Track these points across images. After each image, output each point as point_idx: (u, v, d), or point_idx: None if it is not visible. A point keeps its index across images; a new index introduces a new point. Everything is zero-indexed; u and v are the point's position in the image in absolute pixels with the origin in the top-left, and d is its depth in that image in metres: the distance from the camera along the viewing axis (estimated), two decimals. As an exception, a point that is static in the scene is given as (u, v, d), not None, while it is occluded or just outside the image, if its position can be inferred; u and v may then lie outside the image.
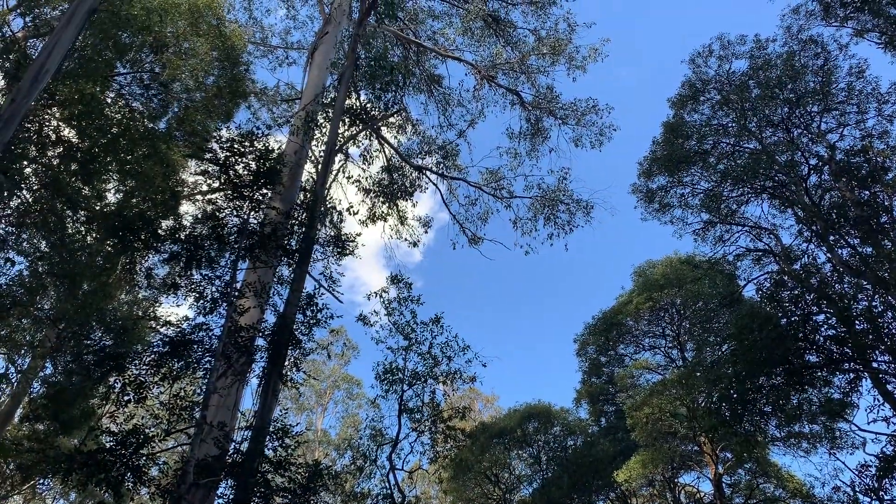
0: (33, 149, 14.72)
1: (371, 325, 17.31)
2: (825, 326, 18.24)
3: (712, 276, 26.87)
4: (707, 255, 26.49)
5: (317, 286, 12.35)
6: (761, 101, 23.69)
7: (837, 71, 22.79)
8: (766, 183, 23.33)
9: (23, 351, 18.94)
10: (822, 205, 21.19)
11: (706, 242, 25.93)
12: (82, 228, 16.17)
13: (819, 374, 18.67)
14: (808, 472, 28.77)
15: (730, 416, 19.66)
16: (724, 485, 28.06)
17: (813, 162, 22.42)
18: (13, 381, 19.01)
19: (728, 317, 27.97)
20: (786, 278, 19.64)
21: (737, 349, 19.54)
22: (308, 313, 11.53)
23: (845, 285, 18.41)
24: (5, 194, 14.07)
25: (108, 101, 16.67)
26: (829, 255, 20.02)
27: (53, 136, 14.89)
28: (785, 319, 18.48)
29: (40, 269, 15.58)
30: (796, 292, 18.63)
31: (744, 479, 29.23)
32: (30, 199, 14.94)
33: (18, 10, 17.00)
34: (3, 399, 19.14)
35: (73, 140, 15.28)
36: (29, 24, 16.92)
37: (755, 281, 23.27)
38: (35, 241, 16.24)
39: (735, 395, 19.43)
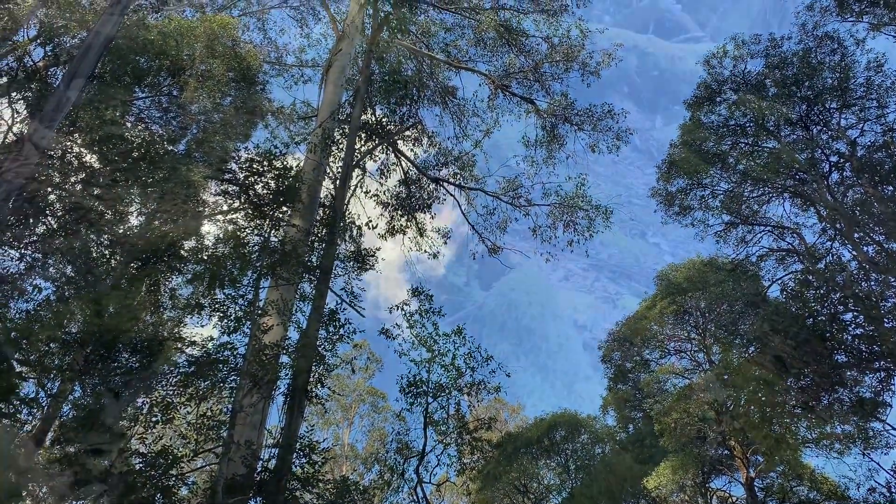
0: (57, 175, 14.95)
1: (394, 339, 17.31)
2: (853, 325, 18.00)
3: (736, 277, 26.60)
4: (730, 256, 26.27)
5: (339, 302, 12.43)
6: (778, 100, 23.48)
7: (855, 66, 22.55)
8: (786, 182, 23.11)
9: (52, 375, 19.15)
10: (845, 202, 20.93)
11: (728, 244, 25.77)
12: (106, 252, 16.36)
13: (849, 373, 18.40)
14: (843, 473, 28.17)
15: (759, 418, 19.43)
16: (756, 488, 27.66)
17: (834, 159, 22.18)
18: (43, 404, 19.23)
19: (754, 318, 27.67)
20: (811, 277, 19.40)
21: (763, 351, 19.32)
22: (331, 329, 11.61)
23: (872, 283, 18.16)
24: (31, 221, 14.29)
25: (128, 125, 16.90)
26: (854, 252, 19.74)
27: (76, 163, 15.12)
28: (812, 319, 18.24)
29: (66, 293, 15.76)
30: (822, 291, 18.39)
31: (776, 482, 28.75)
32: (55, 226, 15.15)
33: (38, 41, 17.35)
34: (34, 423, 19.35)
35: (95, 165, 15.49)
36: (49, 54, 17.24)
37: (780, 281, 23.04)
38: (61, 266, 16.45)
39: (763, 398, 19.20)
